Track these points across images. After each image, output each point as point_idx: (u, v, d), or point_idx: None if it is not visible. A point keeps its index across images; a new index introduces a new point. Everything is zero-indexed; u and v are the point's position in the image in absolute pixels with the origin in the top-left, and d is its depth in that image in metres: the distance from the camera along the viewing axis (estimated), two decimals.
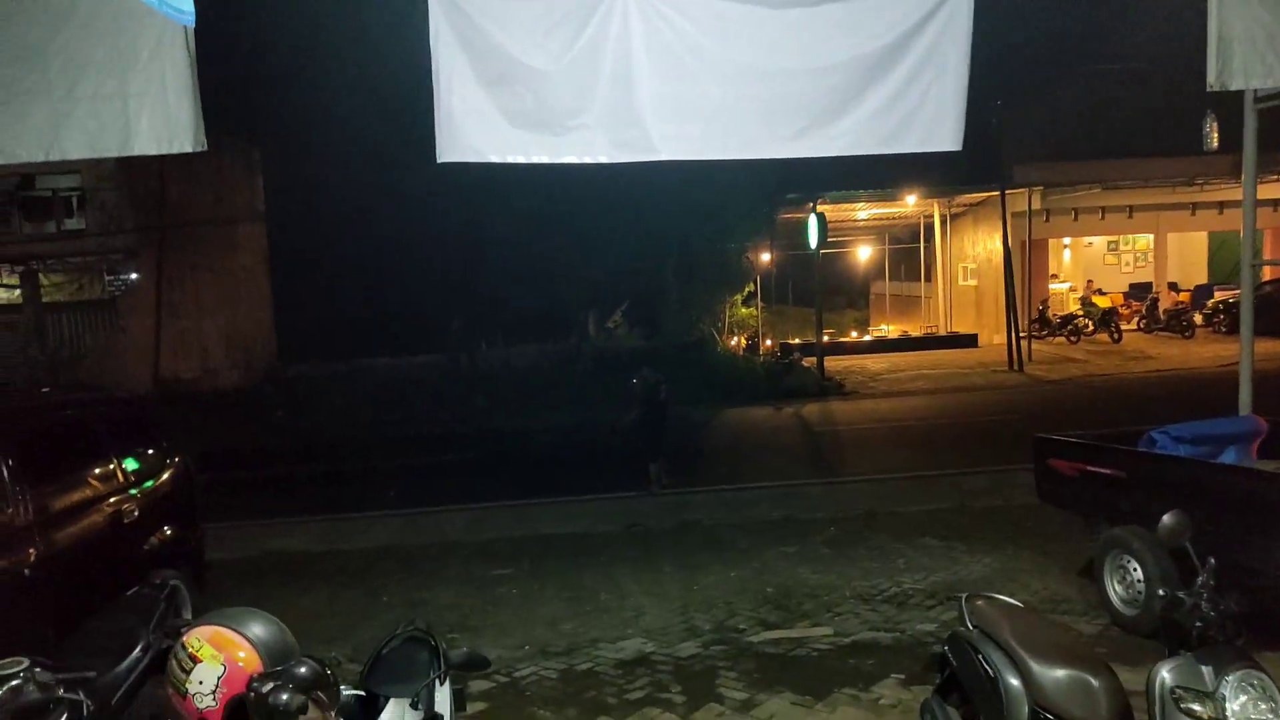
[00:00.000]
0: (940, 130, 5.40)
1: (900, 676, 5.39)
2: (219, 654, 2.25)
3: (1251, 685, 2.90)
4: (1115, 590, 5.99)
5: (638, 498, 10.66)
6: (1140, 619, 5.74)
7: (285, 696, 2.20)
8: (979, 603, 3.88)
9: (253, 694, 2.21)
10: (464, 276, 24.84)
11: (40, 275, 18.93)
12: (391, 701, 2.87)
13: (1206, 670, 2.96)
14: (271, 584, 7.96)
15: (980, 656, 3.59)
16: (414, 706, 2.98)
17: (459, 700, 3.74)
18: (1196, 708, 2.89)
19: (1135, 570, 5.80)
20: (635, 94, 5.04)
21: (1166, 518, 3.32)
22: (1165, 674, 3.00)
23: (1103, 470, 6.30)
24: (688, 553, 8.19)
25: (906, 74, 5.22)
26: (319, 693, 2.32)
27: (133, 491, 5.77)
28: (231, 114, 23.11)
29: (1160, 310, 24.95)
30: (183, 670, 2.24)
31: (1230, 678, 2.92)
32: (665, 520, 9.43)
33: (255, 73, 21.87)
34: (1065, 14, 22.01)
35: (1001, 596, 4.01)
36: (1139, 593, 5.77)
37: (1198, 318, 24.45)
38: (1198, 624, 3.02)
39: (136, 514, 5.67)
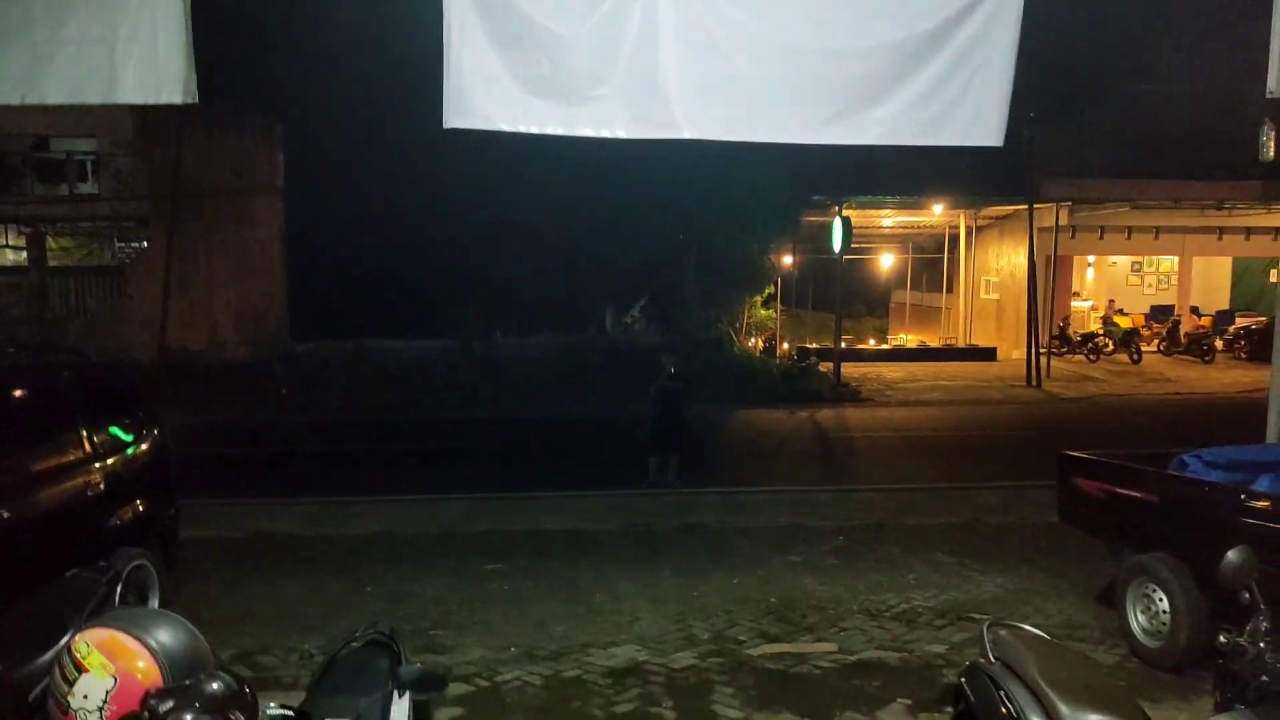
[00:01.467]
0: (981, 125, 5.03)
1: (907, 702, 5.04)
2: (110, 664, 1.88)
3: None
4: (1138, 620, 5.70)
5: (641, 496, 10.36)
6: (1163, 652, 5.45)
7: (189, 717, 1.83)
8: (1002, 632, 3.51)
9: (147, 714, 1.85)
10: (481, 262, 24.57)
11: (49, 239, 18.73)
12: None
13: None
14: (252, 567, 7.65)
15: (1002, 693, 3.24)
16: None
17: (423, 713, 3.39)
18: None
19: (1161, 601, 5.49)
20: (660, 66, 4.70)
21: (1232, 554, 2.95)
22: None
23: (1132, 493, 5.94)
24: (690, 556, 7.90)
25: (950, 62, 4.87)
26: (235, 714, 1.96)
27: (99, 463, 5.45)
28: (255, 88, 22.93)
29: (1181, 333, 24.54)
30: (66, 681, 1.86)
31: None
32: (669, 520, 9.13)
33: (280, 45, 21.61)
34: (1102, 30, 21.52)
35: (1027, 626, 3.63)
36: (1163, 624, 5.46)
37: (1218, 343, 24.10)
38: (1263, 678, 2.65)
39: (102, 487, 5.36)
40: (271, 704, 2.48)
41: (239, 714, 1.98)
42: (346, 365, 19.19)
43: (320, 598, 6.87)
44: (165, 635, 2.03)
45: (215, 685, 1.91)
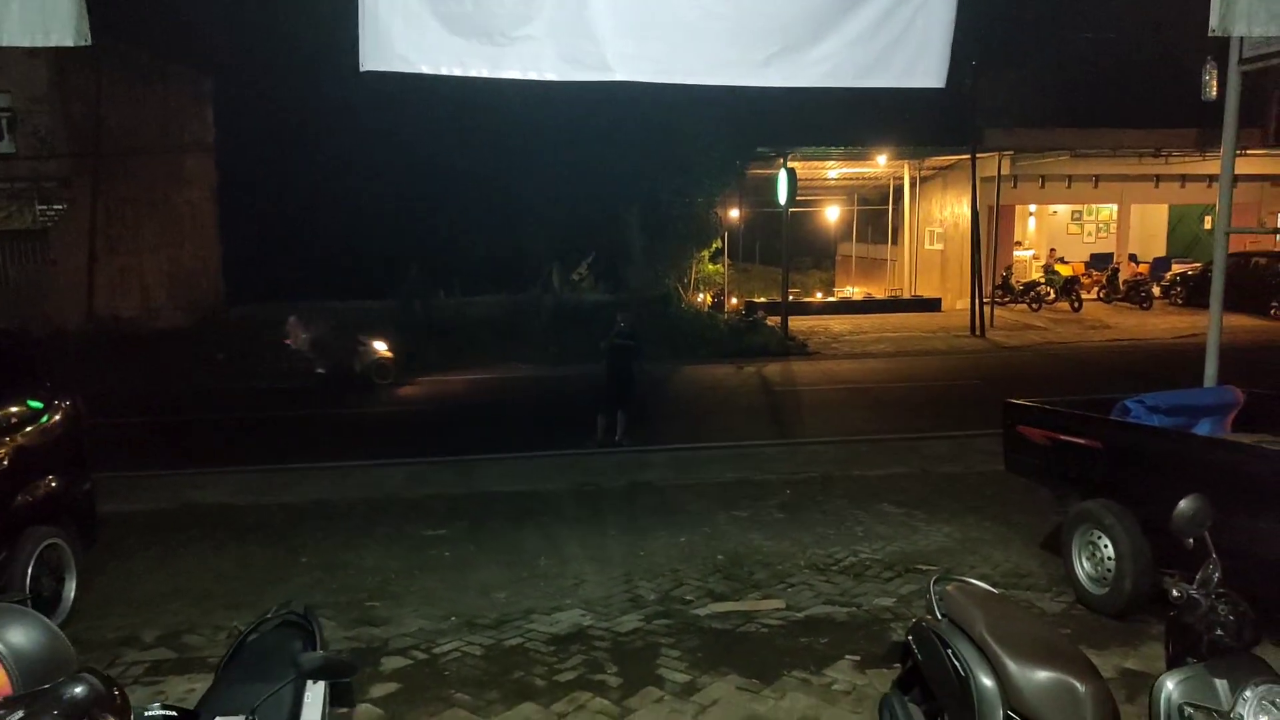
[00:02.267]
0: (923, 65, 4.82)
1: (855, 658, 4.97)
2: None
3: (1274, 704, 2.44)
4: (1083, 567, 5.70)
5: (588, 455, 10.20)
6: (1108, 599, 5.46)
7: None
8: (949, 588, 3.43)
9: None
10: (423, 221, 23.99)
11: None
12: None
13: (1221, 684, 2.50)
14: (181, 539, 7.33)
15: (950, 651, 3.15)
16: None
17: (342, 697, 3.18)
18: None
19: (1106, 547, 5.49)
20: (590, 4, 4.41)
21: (1184, 503, 2.84)
22: (1172, 686, 2.53)
23: (1075, 439, 5.90)
24: (636, 515, 7.78)
25: (891, 0, 4.66)
26: (106, 717, 1.73)
27: (3, 438, 5.09)
28: (180, 39, 21.93)
29: (1120, 281, 24.97)
30: None
31: (1249, 693, 2.46)
32: (616, 479, 9.01)
33: None
34: None
35: (975, 582, 3.55)
36: (1108, 571, 5.47)
37: (1156, 290, 24.56)
38: (1218, 631, 2.55)
39: (5, 463, 5.01)
40: (155, 704, 2.25)
41: (109, 718, 1.76)
42: (283, 328, 18.59)
43: (252, 571, 6.62)
44: (16, 635, 1.79)
45: (77, 689, 1.68)
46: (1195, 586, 2.73)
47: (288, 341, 15.87)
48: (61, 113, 18.97)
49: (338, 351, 15.58)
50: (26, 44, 4.28)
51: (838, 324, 22.70)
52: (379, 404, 14.43)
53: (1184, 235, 28.88)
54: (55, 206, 18.58)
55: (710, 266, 26.21)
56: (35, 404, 5.65)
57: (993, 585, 3.74)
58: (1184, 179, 25.13)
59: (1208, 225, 26.99)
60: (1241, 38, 6.33)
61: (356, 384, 15.23)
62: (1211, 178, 23.59)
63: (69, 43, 4.25)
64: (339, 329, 16.04)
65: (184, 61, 23.20)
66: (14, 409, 5.47)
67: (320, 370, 15.41)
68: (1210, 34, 4.88)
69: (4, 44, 4.33)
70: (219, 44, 23.16)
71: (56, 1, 4.18)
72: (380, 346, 15.72)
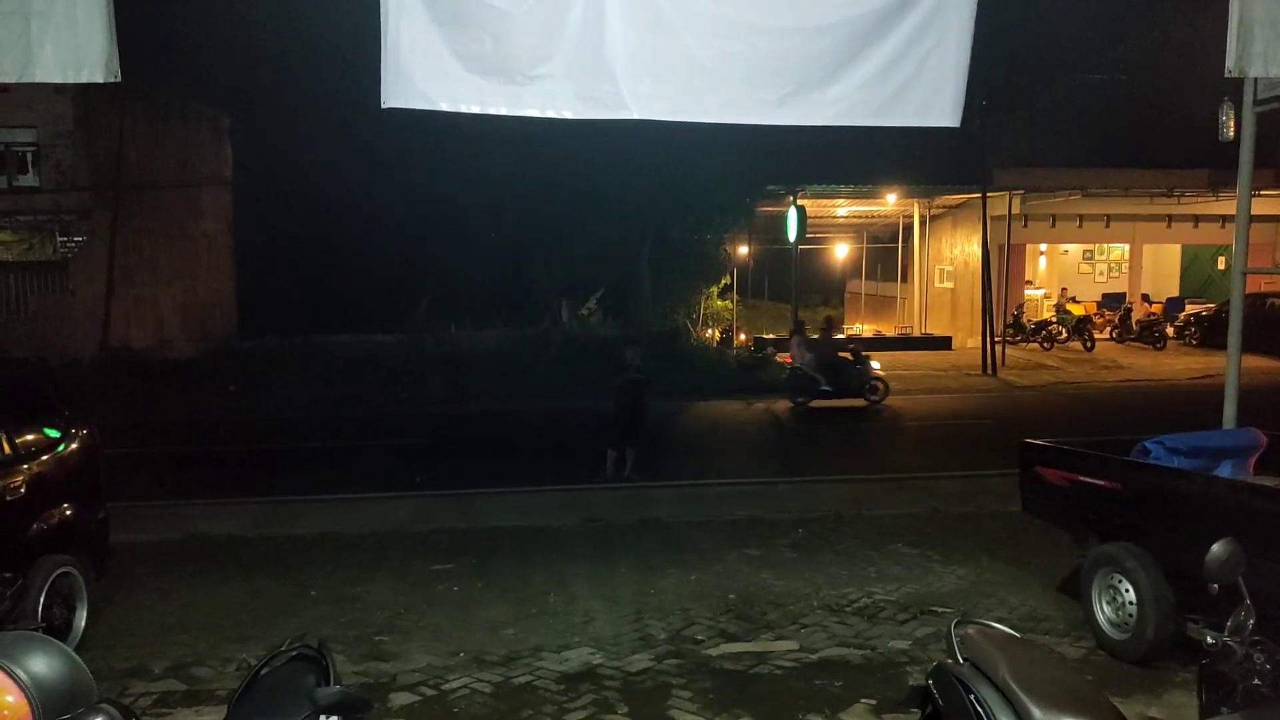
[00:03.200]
0: (938, 103, 4.84)
1: (871, 702, 4.87)
2: None
3: None
4: (1103, 612, 5.58)
5: (596, 490, 10.14)
6: (1130, 644, 5.34)
7: None
8: (970, 631, 3.33)
9: None
10: (433, 255, 24.14)
11: None
12: None
13: None
14: (189, 571, 7.30)
15: (972, 697, 3.06)
16: None
17: None
18: None
19: (1127, 591, 5.38)
20: (607, 44, 4.46)
21: (1217, 547, 2.77)
22: None
23: (1095, 480, 5.81)
24: (646, 552, 7.69)
25: (905, 39, 4.69)
26: None
27: (19, 466, 5.08)
28: (200, 77, 22.30)
29: (1133, 320, 24.85)
30: None
31: None
32: (624, 515, 8.91)
33: (223, 32, 21.00)
34: (1052, 19, 21.67)
35: (996, 625, 3.46)
36: (1130, 615, 5.35)
37: (1169, 330, 24.42)
38: (1254, 680, 2.48)
39: (22, 491, 4.99)
40: None
41: None
42: (295, 361, 18.68)
43: (260, 603, 6.56)
44: (39, 665, 1.76)
45: None
46: (1228, 633, 2.66)
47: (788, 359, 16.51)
48: (84, 147, 19.26)
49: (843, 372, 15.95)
50: (59, 80, 4.35)
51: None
52: (389, 436, 14.37)
53: (1197, 275, 28.83)
54: (75, 239, 18.80)
55: (719, 302, 26.24)
56: (53, 432, 5.65)
57: (1012, 629, 3.66)
58: (1197, 219, 25.11)
59: (1221, 266, 26.94)
60: (1256, 79, 6.36)
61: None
62: (1225, 218, 23.62)
63: (99, 79, 4.30)
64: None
65: (203, 99, 23.56)
66: (31, 437, 5.47)
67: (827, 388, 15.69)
68: (1226, 75, 4.89)
69: (38, 80, 4.38)
70: (238, 81, 23.55)
71: (90, 39, 4.24)
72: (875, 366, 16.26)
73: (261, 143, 25.30)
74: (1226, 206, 23.48)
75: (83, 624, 5.64)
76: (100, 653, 5.57)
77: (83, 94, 18.57)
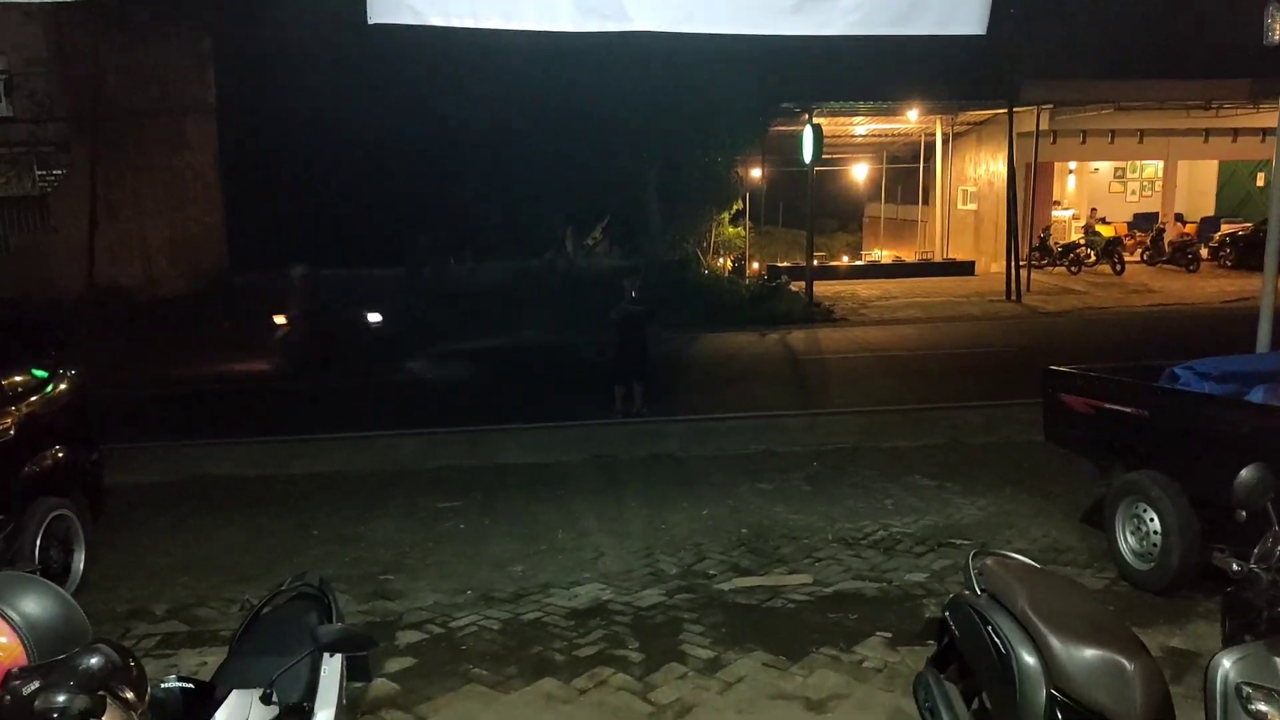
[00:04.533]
0: (962, 10, 4.71)
1: (886, 635, 4.96)
2: None
3: None
4: (1127, 541, 5.65)
5: (605, 425, 10.22)
6: (1154, 575, 5.41)
7: (62, 698, 1.62)
8: (989, 562, 3.37)
9: (9, 696, 1.63)
10: (432, 186, 23.95)
11: None
12: (234, 694, 2.30)
13: None
14: (190, 513, 7.41)
15: (990, 628, 3.10)
16: (265, 701, 2.41)
17: (359, 671, 3.20)
18: (1267, 709, 2.38)
19: (1152, 521, 5.43)
20: None
21: (1246, 472, 2.78)
22: (1229, 665, 2.48)
23: (1121, 408, 5.83)
24: (656, 487, 7.77)
25: None
26: (121, 689, 1.74)
27: (9, 408, 5.14)
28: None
29: (1165, 242, 24.59)
30: None
31: None
32: (634, 451, 9.00)
33: None
34: None
35: (1014, 555, 3.49)
36: (1154, 545, 5.41)
37: (1203, 251, 24.17)
38: (1278, 608, 2.50)
39: (11, 433, 5.06)
40: (170, 676, 2.27)
41: (125, 690, 1.78)
42: (289, 295, 18.66)
43: (263, 544, 6.68)
44: (30, 605, 1.80)
45: (93, 660, 1.69)
46: (1254, 560, 2.68)
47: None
48: (59, 76, 19.00)
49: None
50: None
51: (865, 289, 22.52)
52: (390, 373, 14.45)
53: (1234, 193, 28.38)
54: (55, 172, 18.67)
55: (731, 230, 26.04)
56: (40, 373, 5.70)
57: (1032, 560, 3.71)
58: (1235, 133, 24.63)
59: (1260, 182, 26.50)
60: None
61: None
62: (1266, 131, 23.19)
63: None
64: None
65: (183, 20, 23.13)
66: (19, 378, 5.52)
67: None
68: None
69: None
70: (219, 1, 23.10)
71: None
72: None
73: (246, 67, 24.89)
74: (1267, 119, 23.03)
75: (81, 567, 5.75)
76: (101, 595, 5.69)
77: (54, 19, 18.27)
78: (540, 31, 4.55)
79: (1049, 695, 2.83)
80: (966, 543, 6.25)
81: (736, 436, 9.50)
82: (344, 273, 19.75)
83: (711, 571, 5.92)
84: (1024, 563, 3.39)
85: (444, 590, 5.72)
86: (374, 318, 15.39)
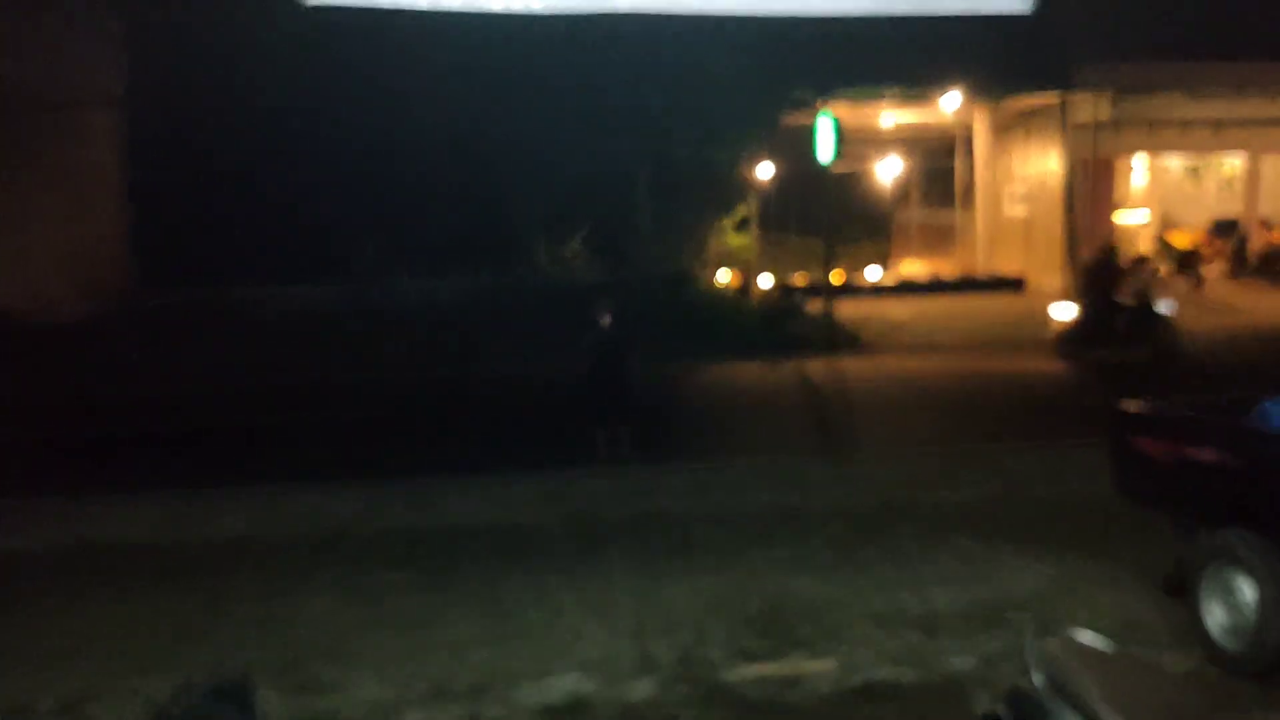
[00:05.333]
0: None
1: None
2: None
3: None
4: (1216, 615, 5.63)
5: (585, 477, 10.22)
6: (1248, 655, 5.38)
7: None
8: (1051, 644, 3.36)
9: None
10: (381, 189, 24.04)
11: None
12: None
13: None
14: (81, 585, 7.36)
15: None
16: None
17: None
18: None
19: (1245, 590, 5.41)
20: None
21: None
22: None
23: (1205, 453, 5.82)
24: (647, 554, 7.77)
25: None
26: None
27: None
28: None
29: (1249, 252, 24.82)
30: None
31: None
32: (620, 508, 9.01)
33: None
34: None
35: (1083, 634, 3.46)
36: (1248, 620, 5.39)
37: None
38: None
39: None
40: None
41: None
42: (212, 319, 18.70)
43: (169, 624, 6.63)
44: None
45: None
46: None
47: None
48: None
49: None
50: None
51: (897, 310, 22.77)
52: (328, 410, 14.40)
53: None
54: None
55: (735, 239, 26.27)
56: None
57: (1102, 641, 3.65)
58: None
59: None
60: None
61: None
62: None
63: None
64: None
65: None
66: None
67: None
68: None
69: None
70: None
71: None
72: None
73: (164, 53, 24.98)
74: None
75: None
76: None
77: None
78: (507, 14, 4.51)
79: None
80: (1023, 618, 6.22)
81: (744, 490, 9.52)
82: (275, 291, 19.77)
83: (715, 657, 5.89)
84: (1093, 643, 3.36)
85: (388, 682, 5.67)
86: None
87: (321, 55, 22.73)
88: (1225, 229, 26.30)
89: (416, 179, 23.70)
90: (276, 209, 23.90)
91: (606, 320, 10.73)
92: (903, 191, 32.09)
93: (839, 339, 19.09)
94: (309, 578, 7.38)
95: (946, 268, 28.36)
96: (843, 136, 20.59)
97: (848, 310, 21.33)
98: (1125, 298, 16.34)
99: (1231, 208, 27.58)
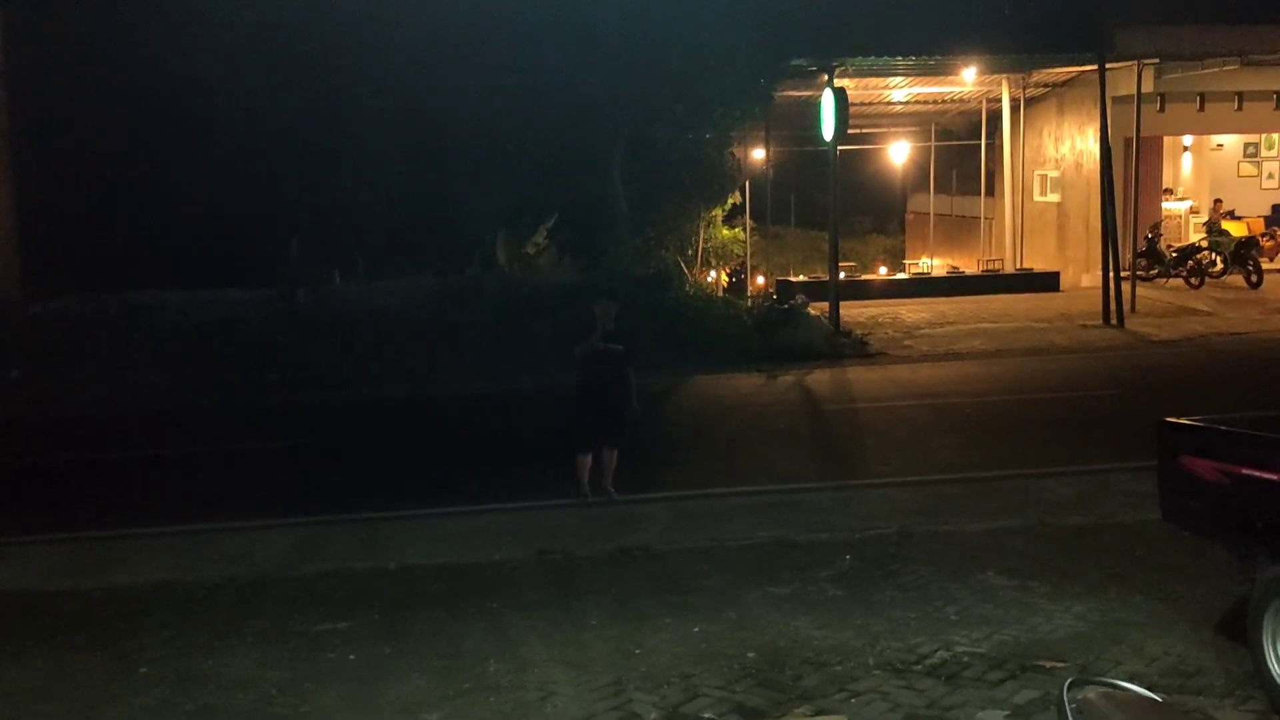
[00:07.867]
0: None
1: None
2: None
3: None
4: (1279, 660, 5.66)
5: (555, 509, 10.28)
6: None
7: None
8: (1091, 695, 3.44)
9: None
10: (313, 178, 23.95)
11: None
12: None
13: None
14: None
15: None
16: None
17: None
18: None
19: None
20: None
21: None
22: None
23: (1267, 475, 5.88)
24: (628, 596, 7.82)
25: None
26: None
27: None
28: None
29: None
30: None
31: None
32: (596, 544, 9.07)
33: None
34: None
35: (1128, 685, 3.55)
36: None
37: None
38: None
39: None
40: None
41: None
42: (109, 330, 18.60)
43: (70, 687, 6.61)
44: None
45: None
46: None
47: None
48: None
49: None
50: None
51: (911, 312, 22.82)
52: (251, 436, 14.37)
53: None
54: None
55: (725, 232, 26.23)
56: None
57: (1151, 688, 3.72)
58: None
59: None
60: None
61: None
62: None
63: None
64: None
65: None
66: None
67: None
68: None
69: None
70: None
71: None
72: None
73: (50, 28, 24.87)
74: None
75: None
76: None
77: None
78: None
79: None
80: (1060, 666, 6.27)
81: (738, 520, 9.57)
82: (185, 296, 19.66)
83: (707, 714, 5.91)
84: (1140, 694, 3.46)
85: None
86: None
87: (236, 29, 22.66)
88: None
89: (352, 165, 23.62)
90: (188, 203, 23.79)
91: (611, 326, 10.55)
92: (919, 176, 32.22)
93: (845, 346, 19.16)
94: (233, 631, 7.37)
95: (969, 262, 28.46)
96: (849, 112, 20.71)
97: (855, 313, 21.51)
98: None
99: None
